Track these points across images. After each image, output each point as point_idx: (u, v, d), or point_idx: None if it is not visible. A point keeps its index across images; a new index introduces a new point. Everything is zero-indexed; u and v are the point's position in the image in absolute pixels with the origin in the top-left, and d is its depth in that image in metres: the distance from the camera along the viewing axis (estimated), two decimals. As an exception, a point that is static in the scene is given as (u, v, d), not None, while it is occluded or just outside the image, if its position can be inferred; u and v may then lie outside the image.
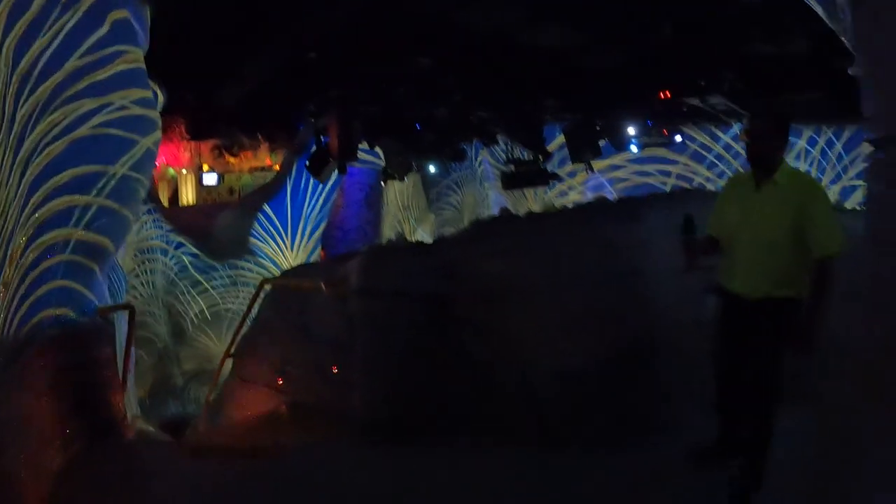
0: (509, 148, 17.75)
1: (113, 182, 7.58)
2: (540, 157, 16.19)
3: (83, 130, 7.25)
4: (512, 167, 16.84)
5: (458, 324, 7.59)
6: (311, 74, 14.07)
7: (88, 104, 7.34)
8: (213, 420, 11.37)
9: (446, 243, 10.70)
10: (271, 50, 13.44)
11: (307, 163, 15.99)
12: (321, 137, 15.31)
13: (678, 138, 17.09)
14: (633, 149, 17.47)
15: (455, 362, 7.30)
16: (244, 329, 11.25)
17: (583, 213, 11.55)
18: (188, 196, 30.30)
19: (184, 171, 30.11)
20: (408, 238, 28.88)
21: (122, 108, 7.68)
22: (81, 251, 7.41)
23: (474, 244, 9.02)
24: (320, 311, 8.74)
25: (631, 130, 15.40)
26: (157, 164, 29.43)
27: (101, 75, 7.51)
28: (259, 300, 11.25)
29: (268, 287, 11.17)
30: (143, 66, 8.30)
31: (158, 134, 8.40)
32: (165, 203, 29.43)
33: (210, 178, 30.76)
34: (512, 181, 16.81)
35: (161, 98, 18.46)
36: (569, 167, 19.21)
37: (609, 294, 7.31)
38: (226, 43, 15.10)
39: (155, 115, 8.41)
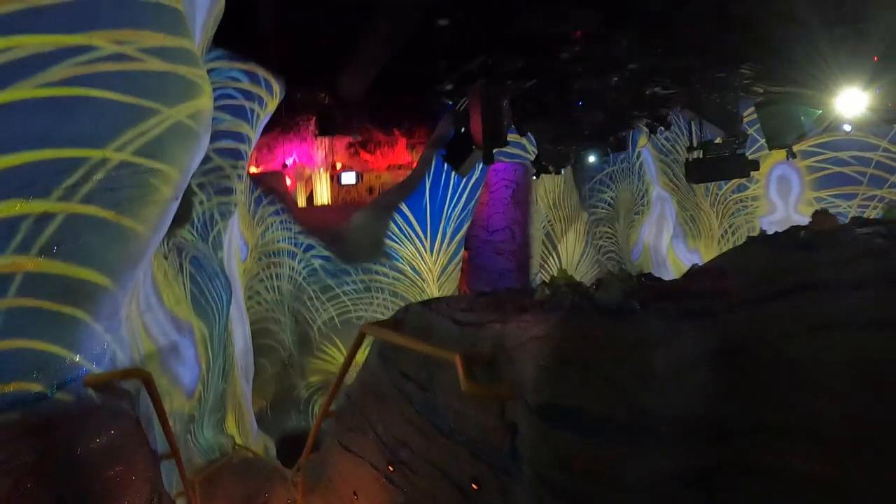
0: (692, 130, 14.15)
1: (99, 175, 4.68)
2: (736, 139, 12.49)
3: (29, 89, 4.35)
4: (699, 153, 13.01)
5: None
6: (443, 47, 11.14)
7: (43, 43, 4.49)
8: (312, 476, 8.58)
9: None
10: (392, 20, 10.59)
11: (444, 153, 12.97)
12: (461, 123, 12.25)
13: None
14: (847, 128, 13.65)
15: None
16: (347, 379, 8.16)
17: None
18: (324, 196, 28.21)
19: (320, 170, 28.09)
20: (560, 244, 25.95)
21: (122, 56, 4.80)
22: (42, 290, 4.60)
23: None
24: (454, 397, 5.35)
25: (853, 103, 11.57)
26: (289, 161, 28.14)
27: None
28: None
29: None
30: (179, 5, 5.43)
31: (203, 104, 5.43)
32: (302, 203, 27.57)
33: (348, 177, 28.65)
34: (701, 172, 12.97)
35: (276, 90, 16.39)
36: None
37: None
38: (342, 19, 12.45)
39: (198, 75, 5.43)
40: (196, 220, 13.92)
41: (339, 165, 27.76)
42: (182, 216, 13.61)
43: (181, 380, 10.41)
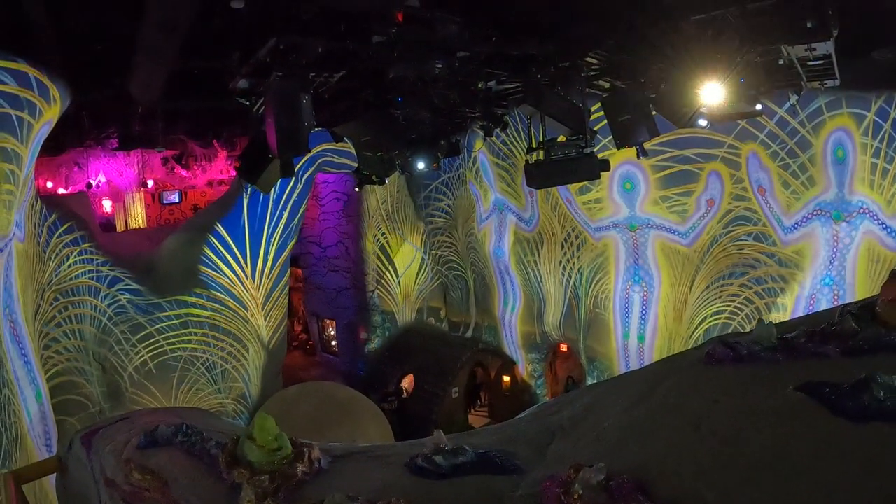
0: (530, 129, 12.17)
1: None
2: (582, 137, 10.51)
3: None
4: (539, 154, 10.91)
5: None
6: (232, 33, 8.77)
7: None
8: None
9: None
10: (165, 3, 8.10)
11: (236, 163, 10.50)
12: (256, 129, 9.82)
13: (759, 106, 11.44)
14: (702, 122, 11.99)
15: None
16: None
17: None
18: (138, 218, 24.97)
19: (132, 189, 24.84)
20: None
21: None
22: None
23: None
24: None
25: (712, 95, 9.85)
26: (94, 181, 24.75)
27: None
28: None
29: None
30: None
31: None
32: (122, 227, 24.30)
33: (171, 196, 25.50)
34: (543, 175, 10.92)
35: (56, 96, 13.42)
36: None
37: None
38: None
39: None
40: (-57, 265, 10.82)
41: (150, 183, 24.61)
42: None
43: None
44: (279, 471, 5.12)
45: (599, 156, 10.99)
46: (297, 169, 16.23)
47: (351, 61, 8.63)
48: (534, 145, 11.57)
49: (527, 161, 11.38)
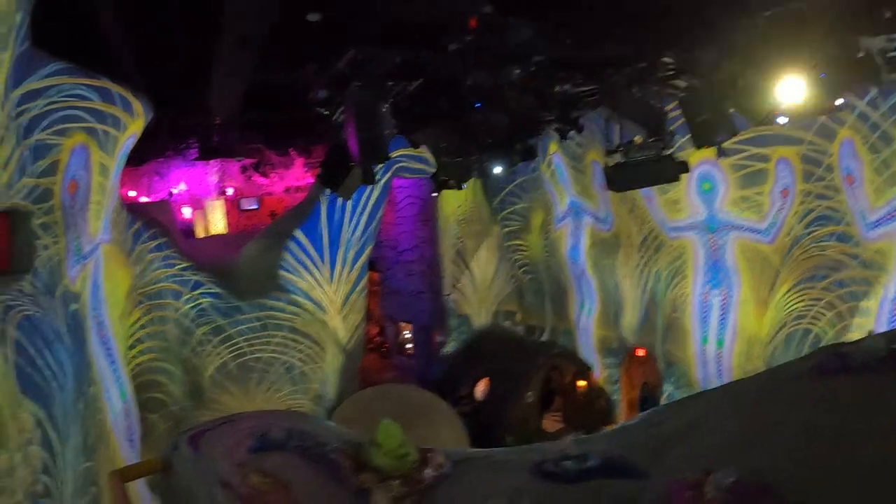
0: (607, 133, 12.11)
1: None
2: (660, 139, 10.42)
3: None
4: (619, 157, 10.84)
5: None
6: (310, 45, 8.95)
7: None
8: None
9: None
10: (247, 18, 8.34)
11: (319, 171, 10.72)
12: (337, 138, 10.00)
13: (839, 101, 11.13)
14: (781, 120, 11.80)
15: None
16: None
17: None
18: (218, 225, 25.65)
19: (213, 196, 25.56)
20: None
21: None
22: None
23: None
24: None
25: (792, 91, 9.66)
26: (175, 189, 25.57)
27: None
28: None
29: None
30: None
31: None
32: (201, 233, 24.99)
33: (249, 202, 26.18)
34: (624, 178, 10.84)
35: (139, 110, 13.90)
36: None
37: None
38: (194, 23, 10.18)
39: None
40: (40, 269, 11.24)
41: (230, 191, 25.28)
42: (21, 265, 11.08)
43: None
44: (409, 476, 5.22)
45: (678, 156, 10.87)
46: (375, 175, 16.48)
47: (427, 70, 8.75)
48: (612, 148, 11.52)
49: (606, 164, 11.32)
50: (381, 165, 18.78)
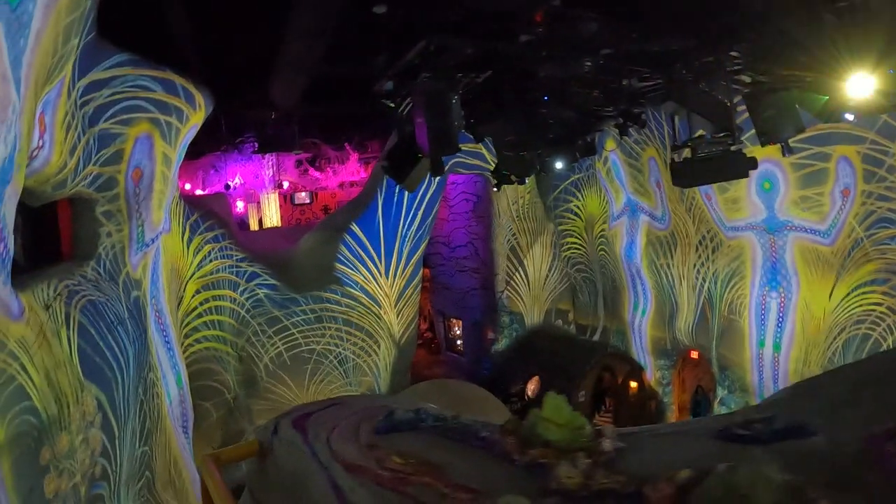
0: (674, 127, 11.89)
1: None
2: (729, 134, 10.15)
3: None
4: (686, 152, 10.60)
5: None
6: (379, 37, 8.85)
7: None
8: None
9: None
10: (315, 9, 8.29)
11: (384, 163, 10.62)
12: (405, 129, 9.89)
13: None
14: (849, 116, 11.48)
15: None
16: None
17: None
18: (273, 218, 25.79)
19: (267, 190, 25.69)
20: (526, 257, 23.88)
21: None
22: None
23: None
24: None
25: (860, 88, 9.34)
26: (231, 183, 25.75)
27: None
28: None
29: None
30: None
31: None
32: (254, 226, 25.17)
33: (301, 196, 26.29)
34: (691, 174, 10.54)
35: (200, 102, 14.00)
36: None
37: None
38: (260, 15, 10.20)
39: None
40: (103, 256, 11.43)
41: (285, 185, 25.41)
42: (84, 252, 11.24)
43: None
44: (591, 448, 5.09)
45: (747, 152, 10.58)
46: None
47: (497, 61, 8.62)
48: (677, 143, 11.28)
49: (672, 159, 11.09)
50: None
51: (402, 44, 8.38)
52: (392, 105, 9.83)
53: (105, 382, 9.74)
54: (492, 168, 17.20)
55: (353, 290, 19.11)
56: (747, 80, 11.00)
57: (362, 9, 7.89)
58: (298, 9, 8.51)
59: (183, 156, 14.07)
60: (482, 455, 5.32)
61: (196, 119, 13.63)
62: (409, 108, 9.60)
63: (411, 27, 8.12)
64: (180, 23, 11.38)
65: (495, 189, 18.27)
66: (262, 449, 5.62)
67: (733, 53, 9.98)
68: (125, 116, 11.35)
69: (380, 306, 19.51)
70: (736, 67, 10.40)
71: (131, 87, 11.47)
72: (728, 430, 5.10)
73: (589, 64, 8.72)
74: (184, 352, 15.81)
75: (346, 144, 23.13)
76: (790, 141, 11.38)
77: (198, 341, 17.01)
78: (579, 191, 23.64)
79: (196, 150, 18.10)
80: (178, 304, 16.09)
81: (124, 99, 11.32)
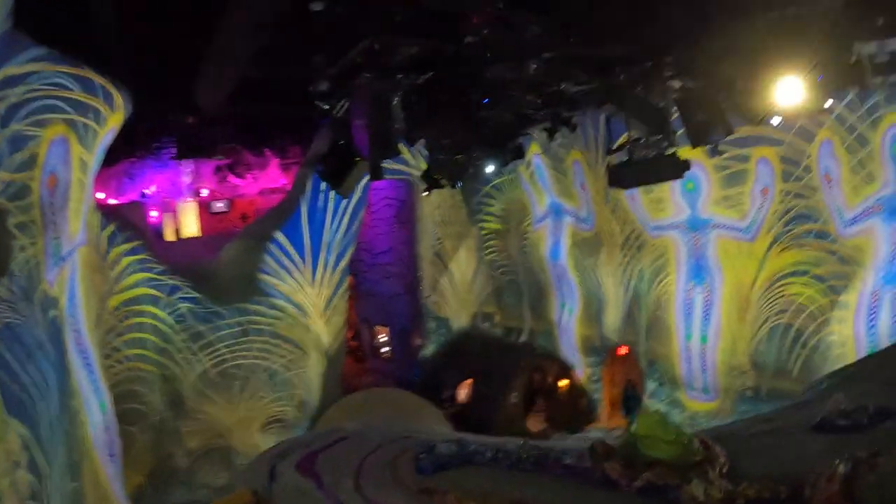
0: (609, 132, 11.87)
1: None
2: (664, 137, 10.20)
3: None
4: (625, 155, 10.62)
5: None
6: (317, 35, 8.48)
7: None
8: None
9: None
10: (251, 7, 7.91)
11: (320, 169, 10.26)
12: (340, 132, 9.51)
13: (828, 103, 11.10)
14: (775, 121, 11.74)
15: None
16: None
17: None
18: (191, 227, 24.97)
19: (185, 198, 24.87)
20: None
21: None
22: None
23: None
24: None
25: (789, 93, 9.56)
26: (148, 191, 24.81)
27: None
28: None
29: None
30: None
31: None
32: (171, 236, 24.27)
33: (219, 204, 25.52)
34: (628, 176, 10.63)
35: (119, 103, 13.27)
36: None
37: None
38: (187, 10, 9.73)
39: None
40: (16, 273, 10.54)
41: (204, 192, 24.63)
42: (-6, 268, 10.39)
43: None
44: (707, 459, 4.83)
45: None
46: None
47: (441, 62, 8.36)
48: (611, 147, 11.30)
49: (608, 163, 11.11)
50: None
51: (341, 43, 8.05)
52: (327, 107, 9.46)
53: (29, 418, 9.04)
54: (414, 171, 16.98)
55: (278, 301, 18.55)
56: (677, 85, 11.13)
57: (299, 6, 7.56)
58: (231, 4, 8.08)
59: (101, 161, 13.37)
60: (575, 484, 4.93)
61: (114, 121, 12.95)
62: (344, 109, 9.26)
63: (353, 26, 7.79)
64: (104, 15, 10.75)
65: (426, 193, 18.04)
66: (258, 500, 4.93)
67: (667, 59, 10.07)
68: (40, 117, 10.63)
69: (307, 316, 18.99)
70: (671, 73, 10.50)
71: (47, 84, 10.75)
72: (826, 422, 5.24)
73: (535, 67, 8.57)
74: (105, 373, 14.91)
75: (265, 150, 22.50)
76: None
77: (119, 361, 16.08)
78: (501, 194, 23.63)
79: (110, 157, 17.29)
80: (97, 322, 15.17)
81: (39, 98, 10.61)
